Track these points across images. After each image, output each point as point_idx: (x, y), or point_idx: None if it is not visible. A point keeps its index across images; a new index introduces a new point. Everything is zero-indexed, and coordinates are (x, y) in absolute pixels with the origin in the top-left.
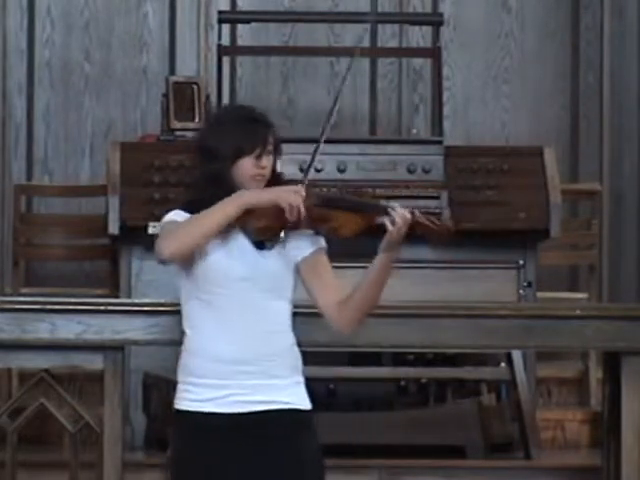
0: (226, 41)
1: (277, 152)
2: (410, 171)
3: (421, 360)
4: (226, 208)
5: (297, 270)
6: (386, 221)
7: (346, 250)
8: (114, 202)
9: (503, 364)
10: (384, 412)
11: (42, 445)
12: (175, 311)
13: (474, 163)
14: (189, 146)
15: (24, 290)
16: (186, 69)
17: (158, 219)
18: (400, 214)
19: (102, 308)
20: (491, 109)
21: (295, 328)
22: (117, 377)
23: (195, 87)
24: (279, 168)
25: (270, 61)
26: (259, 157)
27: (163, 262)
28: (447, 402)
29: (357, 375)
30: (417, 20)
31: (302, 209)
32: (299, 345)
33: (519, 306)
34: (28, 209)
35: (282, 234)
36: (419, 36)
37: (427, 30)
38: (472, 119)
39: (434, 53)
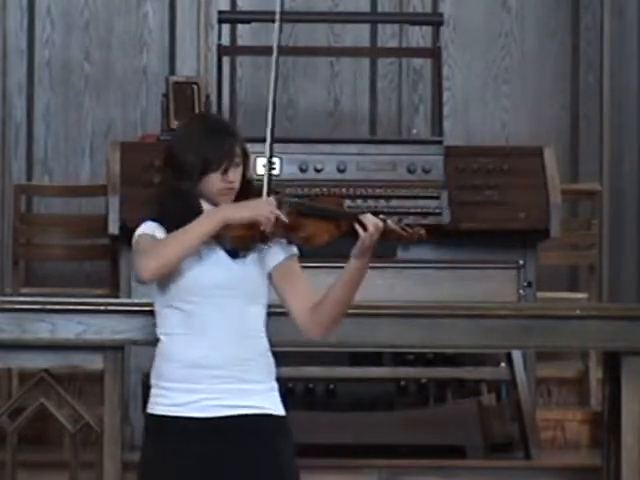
0: (226, 41)
1: (246, 161)
2: (410, 171)
3: (421, 360)
4: (205, 225)
5: (269, 277)
6: (358, 228)
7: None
8: (114, 202)
9: (503, 364)
10: (384, 412)
11: (42, 445)
12: None
13: (474, 163)
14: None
15: (24, 290)
16: (186, 69)
17: None
18: (372, 222)
19: (102, 308)
20: (491, 109)
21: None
22: (117, 377)
23: (195, 87)
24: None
25: (270, 61)
26: (226, 172)
27: (143, 283)
28: (447, 402)
29: (357, 375)
30: (417, 20)
31: (282, 218)
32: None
33: (519, 306)
34: (28, 209)
35: (256, 243)
36: (419, 36)
37: (427, 30)
38: (472, 119)
39: (434, 53)
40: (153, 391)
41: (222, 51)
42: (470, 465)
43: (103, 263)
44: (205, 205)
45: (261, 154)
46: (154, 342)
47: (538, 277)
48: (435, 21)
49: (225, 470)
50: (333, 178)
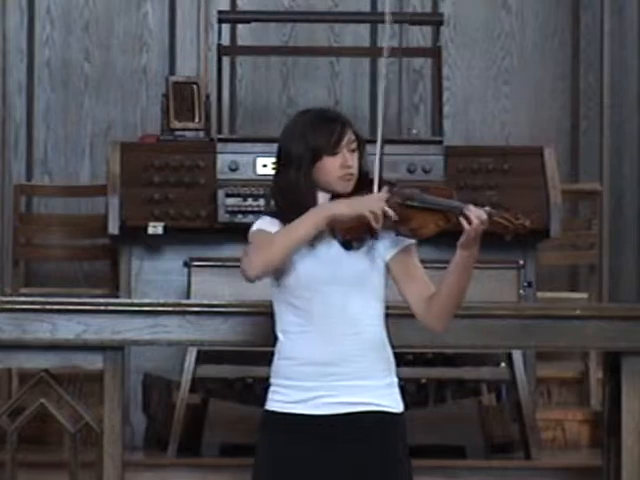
0: (226, 41)
1: (362, 150)
2: (410, 171)
3: (421, 360)
4: (311, 221)
5: (387, 269)
6: (462, 221)
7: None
8: (114, 202)
9: (503, 364)
10: None
11: (42, 445)
12: (175, 311)
13: (474, 163)
14: (189, 146)
15: (24, 290)
16: (186, 69)
17: (158, 219)
18: (475, 214)
19: (102, 308)
20: (491, 109)
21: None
22: (117, 377)
23: (195, 87)
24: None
25: (270, 61)
26: (340, 155)
27: (249, 281)
28: (447, 402)
29: None
30: (417, 20)
31: (389, 213)
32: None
33: (519, 306)
34: (28, 209)
35: (367, 234)
36: (419, 36)
37: (427, 30)
38: (472, 119)
39: (434, 53)
40: (271, 388)
41: (222, 51)
42: (470, 465)
43: (103, 263)
44: (322, 195)
45: (261, 154)
46: (154, 342)
47: (538, 277)
48: (435, 21)
49: (339, 467)
50: None
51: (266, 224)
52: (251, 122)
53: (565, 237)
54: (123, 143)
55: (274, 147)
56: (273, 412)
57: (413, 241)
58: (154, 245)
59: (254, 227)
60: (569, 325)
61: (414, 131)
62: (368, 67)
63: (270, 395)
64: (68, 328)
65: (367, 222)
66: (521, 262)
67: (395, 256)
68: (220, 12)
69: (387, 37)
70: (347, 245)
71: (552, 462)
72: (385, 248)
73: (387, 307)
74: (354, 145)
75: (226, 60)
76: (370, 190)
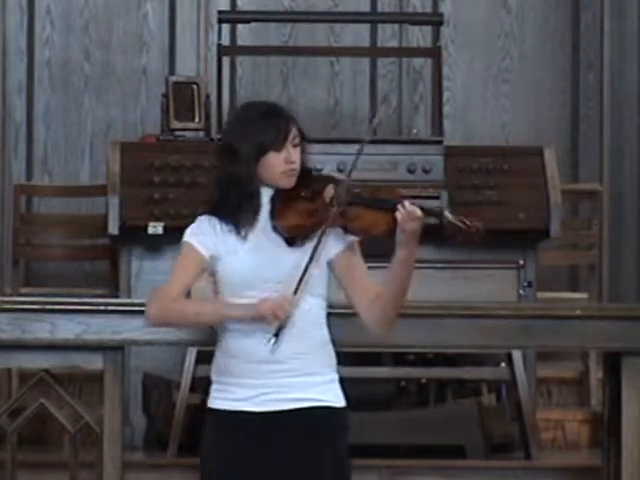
0: (226, 41)
1: (304, 146)
2: (410, 171)
3: (421, 360)
4: (207, 318)
5: (330, 268)
6: (397, 216)
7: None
8: (114, 202)
9: (503, 364)
10: (384, 412)
11: (42, 445)
12: None
13: (474, 163)
14: (189, 146)
15: (24, 290)
16: (186, 69)
17: (158, 219)
18: (408, 209)
19: (102, 308)
20: (491, 109)
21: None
22: (117, 377)
23: (195, 87)
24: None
25: (270, 61)
26: (284, 150)
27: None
28: (447, 402)
29: (357, 375)
30: (417, 20)
31: (289, 312)
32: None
33: (519, 306)
34: (28, 209)
35: (312, 232)
36: (419, 36)
37: (427, 30)
38: (472, 119)
39: (434, 53)
40: (214, 386)
41: (222, 51)
42: (470, 465)
43: (103, 263)
44: (265, 191)
45: None
46: (154, 342)
47: (538, 277)
48: (435, 21)
49: (283, 463)
50: None
51: (200, 233)
52: None
53: (565, 237)
54: (123, 143)
55: None
56: (218, 410)
57: (356, 238)
58: (154, 245)
59: (188, 233)
60: (569, 325)
61: (414, 131)
62: (368, 67)
63: (213, 393)
64: (68, 328)
65: (313, 217)
66: (521, 262)
67: (339, 255)
68: (220, 12)
69: None
70: (290, 241)
71: (552, 462)
72: (330, 246)
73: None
74: (297, 140)
75: (226, 60)
76: (315, 186)
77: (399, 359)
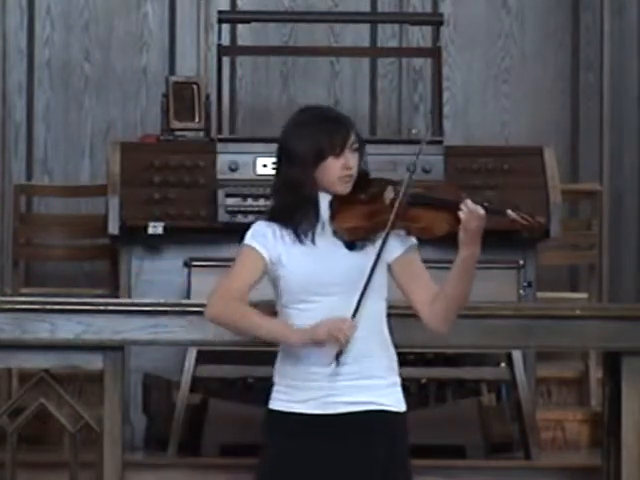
0: (226, 41)
1: (362, 151)
2: (410, 171)
3: (421, 360)
4: (273, 336)
5: (390, 270)
6: (460, 215)
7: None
8: (114, 202)
9: (503, 364)
10: None
11: (42, 445)
12: (175, 311)
13: (474, 163)
14: (189, 146)
15: (24, 290)
16: (186, 69)
17: (158, 219)
18: (470, 208)
19: (102, 308)
20: (491, 109)
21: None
22: (117, 377)
23: (195, 87)
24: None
25: (270, 61)
26: (342, 156)
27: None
28: (447, 402)
29: None
30: (417, 20)
31: (348, 337)
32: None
33: (519, 306)
34: (28, 209)
35: (373, 234)
36: (419, 36)
37: (427, 30)
38: (472, 119)
39: (434, 53)
40: (275, 388)
41: (222, 51)
42: (470, 465)
43: (103, 263)
44: (322, 196)
45: (261, 154)
46: (154, 342)
47: (538, 277)
48: (435, 21)
49: (342, 467)
50: None
51: (260, 235)
52: (251, 122)
53: (565, 237)
54: (123, 143)
55: (274, 147)
56: (277, 411)
57: (416, 242)
58: (154, 245)
59: (248, 236)
60: (569, 325)
61: (414, 131)
62: (368, 67)
63: (274, 394)
64: (68, 328)
65: (374, 219)
66: (521, 262)
67: (399, 257)
68: (220, 12)
69: None
70: (350, 244)
71: (552, 462)
72: (390, 248)
73: (390, 307)
74: (356, 145)
75: (226, 60)
76: (369, 191)
77: (399, 359)
